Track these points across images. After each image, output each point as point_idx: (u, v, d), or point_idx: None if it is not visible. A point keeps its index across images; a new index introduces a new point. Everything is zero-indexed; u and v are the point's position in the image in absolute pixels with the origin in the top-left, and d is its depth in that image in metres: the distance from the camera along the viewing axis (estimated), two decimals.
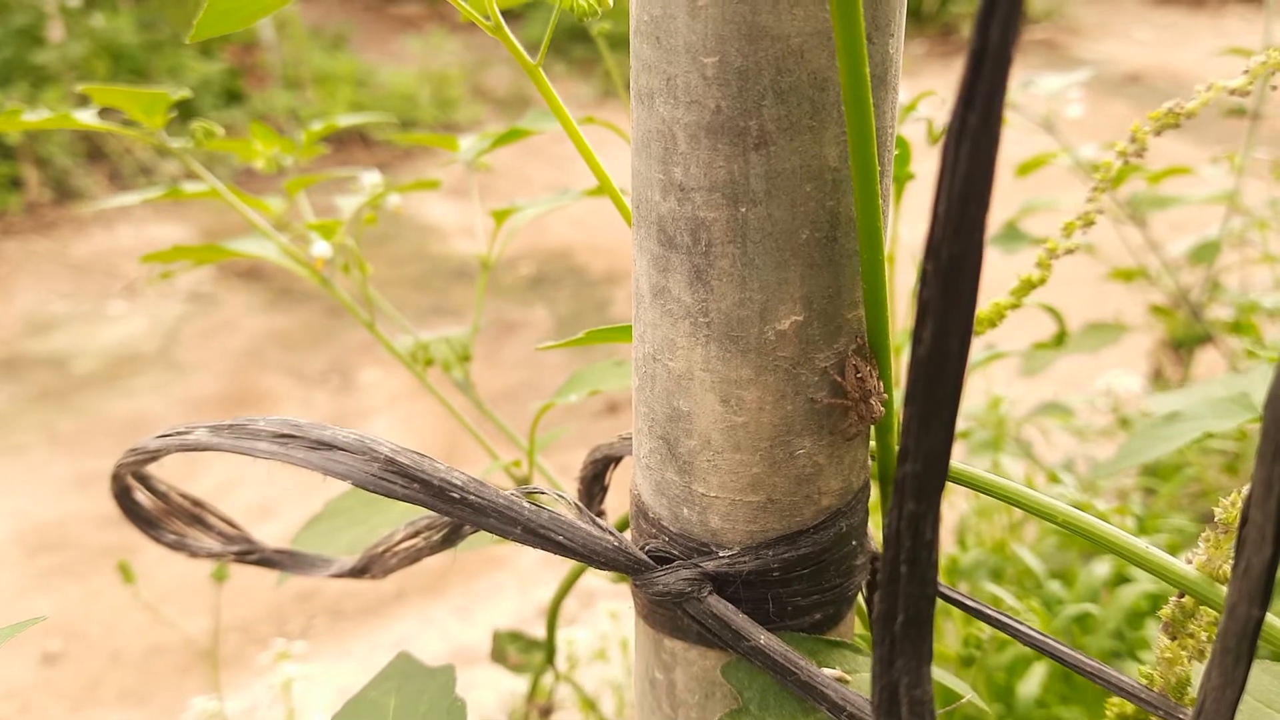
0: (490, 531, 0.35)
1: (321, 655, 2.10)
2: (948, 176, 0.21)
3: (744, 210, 0.31)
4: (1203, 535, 0.33)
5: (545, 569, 2.33)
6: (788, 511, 0.36)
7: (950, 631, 0.95)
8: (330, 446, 0.35)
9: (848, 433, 0.35)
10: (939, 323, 0.22)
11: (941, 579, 0.38)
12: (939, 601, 0.38)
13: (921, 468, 0.23)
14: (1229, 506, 0.33)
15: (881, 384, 0.34)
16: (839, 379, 0.34)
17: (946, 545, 1.23)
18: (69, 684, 2.07)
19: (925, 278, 0.21)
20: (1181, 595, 0.34)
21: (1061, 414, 1.35)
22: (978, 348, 1.20)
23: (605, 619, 1.39)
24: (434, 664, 0.45)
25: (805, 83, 0.30)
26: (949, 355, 0.22)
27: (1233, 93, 0.44)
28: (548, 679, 0.84)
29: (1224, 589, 0.32)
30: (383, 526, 0.62)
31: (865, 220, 0.31)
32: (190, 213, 4.49)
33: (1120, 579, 0.97)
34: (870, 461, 0.38)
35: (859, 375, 0.34)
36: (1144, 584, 0.92)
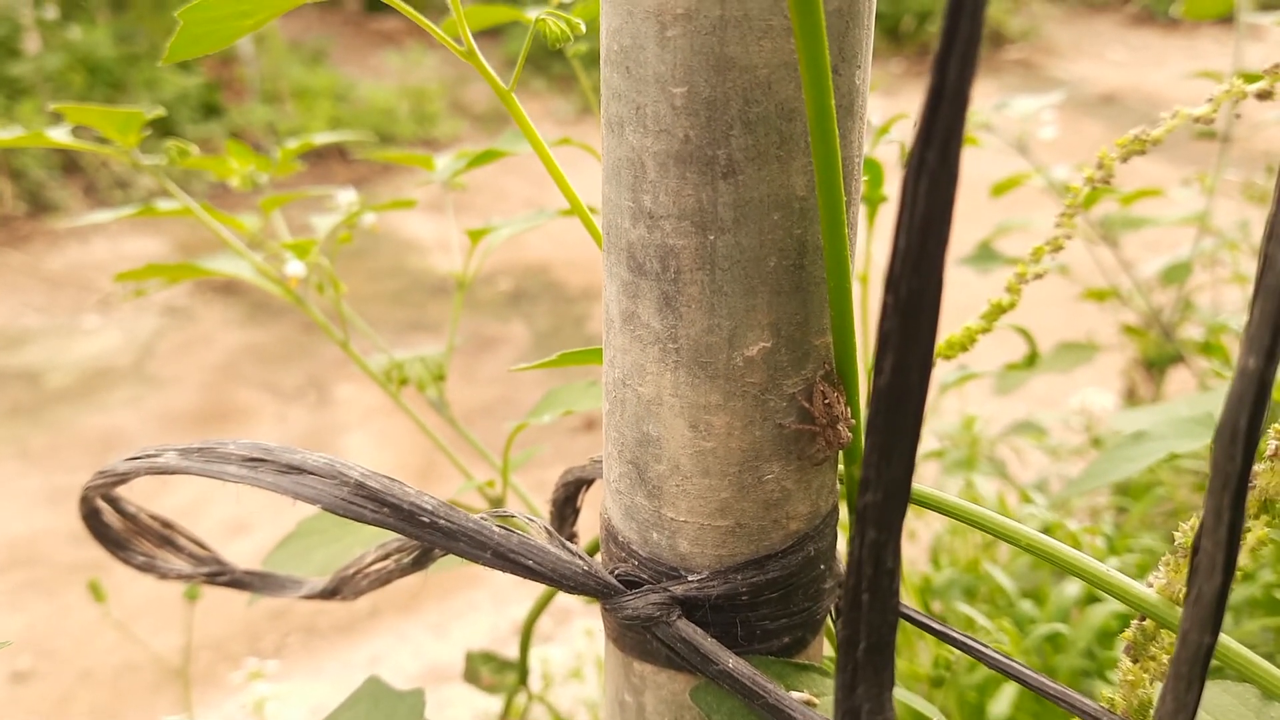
0: (460, 555, 0.35)
1: (295, 674, 2.08)
2: (907, 212, 0.21)
3: (712, 238, 0.32)
4: (1162, 559, 0.34)
5: (521, 587, 2.32)
6: (756, 536, 0.36)
7: (923, 651, 0.96)
8: (300, 470, 0.35)
9: (815, 458, 0.35)
10: (899, 355, 0.22)
11: (915, 598, 0.38)
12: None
13: (883, 497, 0.23)
14: (1187, 531, 0.33)
15: (849, 410, 0.35)
16: (806, 405, 0.34)
17: (920, 564, 1.23)
18: (39, 702, 2.04)
19: (885, 311, 0.22)
20: (1143, 618, 0.35)
21: (1035, 433, 1.36)
22: (951, 368, 1.21)
23: (581, 637, 1.39)
24: (408, 683, 0.45)
25: (773, 113, 0.30)
26: (909, 387, 0.22)
27: (1197, 120, 0.45)
28: (521, 699, 0.84)
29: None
30: (356, 547, 0.62)
31: (832, 248, 0.31)
32: (167, 226, 4.46)
33: (1091, 598, 0.98)
34: (839, 486, 0.39)
35: (826, 401, 0.34)
36: (1114, 604, 0.92)
